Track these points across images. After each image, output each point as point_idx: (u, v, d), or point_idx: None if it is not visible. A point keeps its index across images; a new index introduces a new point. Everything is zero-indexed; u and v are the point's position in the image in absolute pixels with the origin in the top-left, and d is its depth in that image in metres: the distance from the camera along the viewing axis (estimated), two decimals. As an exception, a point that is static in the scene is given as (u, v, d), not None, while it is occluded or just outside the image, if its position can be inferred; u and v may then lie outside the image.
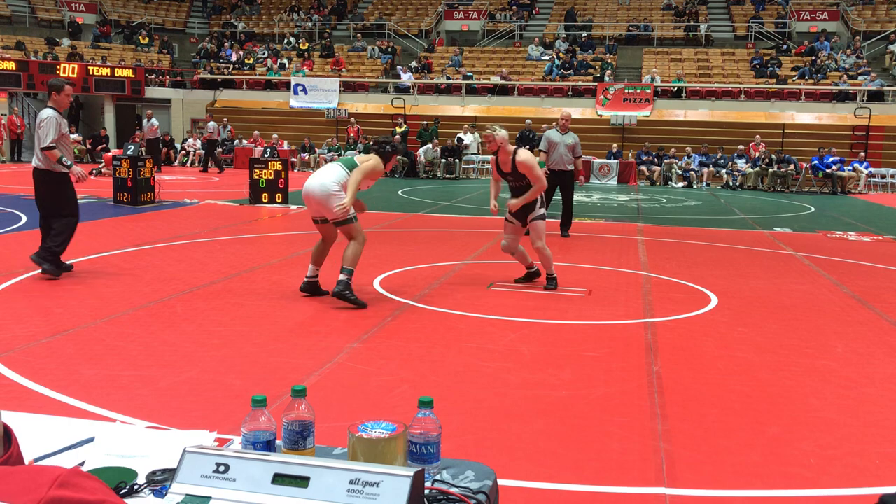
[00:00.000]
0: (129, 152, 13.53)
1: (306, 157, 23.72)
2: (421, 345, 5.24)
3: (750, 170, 21.30)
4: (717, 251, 9.85)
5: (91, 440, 1.77)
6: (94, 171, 19.13)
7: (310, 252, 6.86)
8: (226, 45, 29.87)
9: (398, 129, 23.38)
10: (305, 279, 6.65)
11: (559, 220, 10.93)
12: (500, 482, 1.70)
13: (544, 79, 25.80)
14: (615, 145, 22.95)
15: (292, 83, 26.32)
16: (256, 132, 23.99)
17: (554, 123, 11.06)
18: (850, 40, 26.90)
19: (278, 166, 14.03)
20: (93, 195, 14.10)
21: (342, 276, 6.22)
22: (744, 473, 3.34)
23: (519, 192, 7.18)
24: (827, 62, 25.01)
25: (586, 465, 3.40)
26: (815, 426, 3.94)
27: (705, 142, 22.30)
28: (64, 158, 6.95)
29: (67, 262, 7.28)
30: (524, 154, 7.02)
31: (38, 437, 1.76)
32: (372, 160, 6.49)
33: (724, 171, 21.66)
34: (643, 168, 22.42)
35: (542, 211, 7.21)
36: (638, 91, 24.29)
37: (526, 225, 7.25)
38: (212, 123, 22.48)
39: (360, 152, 22.57)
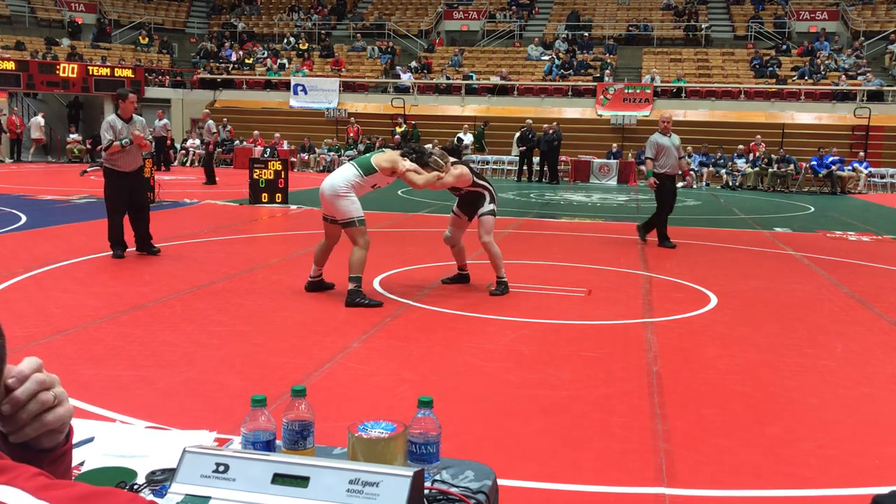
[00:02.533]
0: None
1: (306, 158, 23.73)
2: (421, 345, 5.24)
3: (750, 170, 21.31)
4: (717, 251, 9.86)
5: (91, 440, 1.77)
6: (90, 169, 19.16)
7: (311, 252, 6.87)
8: (226, 45, 29.87)
9: (398, 129, 23.39)
10: (309, 279, 6.76)
11: (656, 231, 10.18)
12: (500, 482, 1.69)
13: (544, 79, 25.80)
14: (615, 145, 22.96)
15: (292, 83, 26.32)
16: (256, 132, 23.99)
17: (661, 125, 10.17)
18: (849, 40, 26.90)
19: (278, 166, 14.03)
20: (92, 195, 14.11)
21: (351, 286, 6.28)
22: (744, 473, 3.34)
23: (466, 200, 7.09)
24: (826, 62, 25.01)
25: (586, 465, 3.40)
26: (815, 426, 3.94)
27: (705, 142, 22.31)
28: (123, 141, 7.97)
29: (154, 246, 8.35)
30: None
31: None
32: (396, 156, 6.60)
33: (723, 171, 21.66)
34: (643, 168, 22.41)
35: (492, 206, 6.99)
36: (638, 91, 24.30)
37: (472, 219, 7.14)
38: (211, 122, 19.51)
39: (359, 153, 22.61)
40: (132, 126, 8.07)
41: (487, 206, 6.96)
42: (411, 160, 6.59)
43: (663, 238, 10.11)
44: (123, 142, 7.95)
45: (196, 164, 24.33)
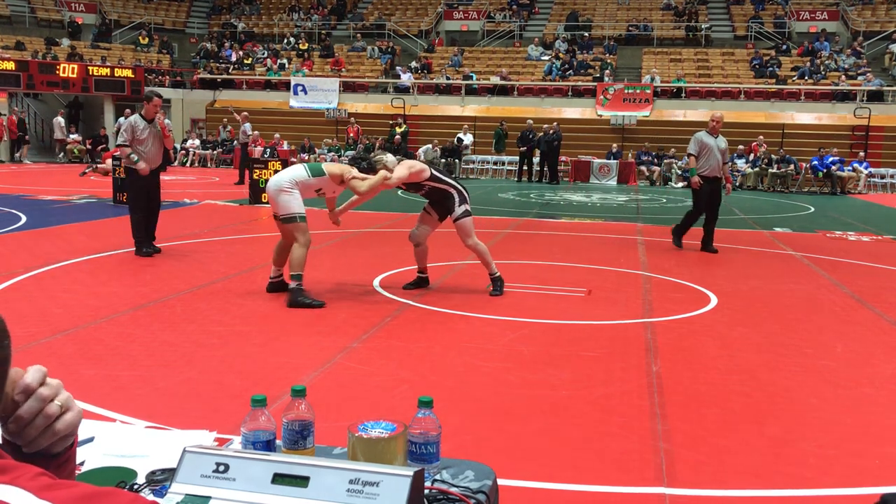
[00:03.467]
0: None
1: (306, 158, 23.71)
2: (421, 345, 5.24)
3: (750, 170, 21.31)
4: (717, 251, 9.85)
5: (91, 440, 1.77)
6: (90, 169, 19.17)
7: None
8: (226, 45, 29.87)
9: (398, 130, 23.38)
10: (269, 280, 6.66)
11: (701, 237, 9.71)
12: (500, 482, 1.70)
13: (544, 79, 25.80)
14: (615, 145, 22.96)
15: (292, 83, 26.31)
16: (256, 132, 23.96)
17: (710, 124, 9.62)
18: (849, 40, 26.90)
19: (278, 166, 14.02)
20: (92, 195, 14.11)
21: (292, 284, 6.19)
22: (744, 473, 3.34)
23: (434, 199, 6.87)
24: (827, 62, 25.01)
25: (586, 465, 3.40)
26: (815, 426, 3.94)
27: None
28: (132, 155, 8.20)
29: (156, 246, 8.44)
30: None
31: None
32: (345, 167, 6.54)
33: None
34: (643, 168, 22.43)
35: (465, 207, 6.77)
36: (637, 91, 24.30)
37: (443, 219, 6.90)
38: (248, 125, 18.62)
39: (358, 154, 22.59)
40: (154, 127, 8.29)
41: (460, 209, 6.75)
42: (360, 169, 6.54)
43: (707, 243, 9.60)
44: (132, 156, 8.20)
45: (196, 164, 24.31)
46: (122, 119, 19.93)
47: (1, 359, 0.98)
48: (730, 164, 9.60)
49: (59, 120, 24.68)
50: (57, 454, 1.10)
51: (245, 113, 19.81)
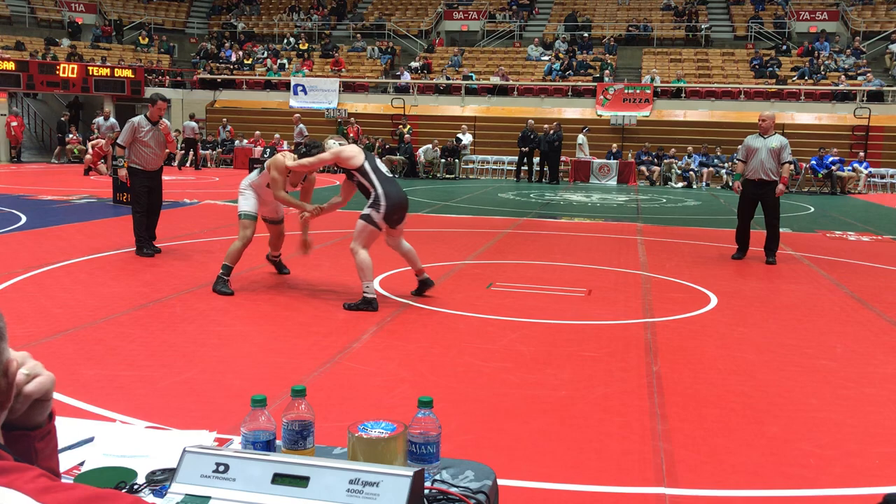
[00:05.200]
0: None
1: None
2: (421, 345, 5.24)
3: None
4: (717, 251, 9.85)
5: (91, 440, 1.77)
6: (89, 169, 19.21)
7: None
8: (225, 45, 29.86)
9: (402, 129, 23.36)
10: (267, 257, 7.67)
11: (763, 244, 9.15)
12: (500, 482, 1.70)
13: (544, 79, 25.79)
14: (615, 145, 22.95)
15: (292, 83, 26.30)
16: (258, 132, 23.96)
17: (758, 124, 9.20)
18: (849, 40, 26.90)
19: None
20: (92, 195, 14.11)
21: (220, 272, 6.73)
22: (744, 473, 3.34)
23: (363, 194, 6.39)
24: (826, 62, 25.01)
25: (586, 465, 3.40)
26: (815, 426, 3.94)
27: (705, 142, 22.30)
28: (119, 160, 8.75)
29: (156, 246, 8.52)
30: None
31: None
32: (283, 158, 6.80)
33: (723, 171, 21.67)
34: (643, 168, 22.42)
35: (371, 212, 6.19)
36: (637, 91, 24.29)
37: (392, 226, 6.41)
38: (302, 126, 18.28)
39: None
40: (157, 129, 8.42)
41: (367, 209, 6.23)
42: (300, 154, 6.64)
43: (740, 251, 9.28)
44: (118, 162, 8.74)
45: (196, 164, 24.28)
46: (99, 119, 20.03)
47: None
48: (790, 164, 9.17)
49: (100, 121, 24.43)
50: (38, 425, 1.11)
51: (297, 115, 19.58)
